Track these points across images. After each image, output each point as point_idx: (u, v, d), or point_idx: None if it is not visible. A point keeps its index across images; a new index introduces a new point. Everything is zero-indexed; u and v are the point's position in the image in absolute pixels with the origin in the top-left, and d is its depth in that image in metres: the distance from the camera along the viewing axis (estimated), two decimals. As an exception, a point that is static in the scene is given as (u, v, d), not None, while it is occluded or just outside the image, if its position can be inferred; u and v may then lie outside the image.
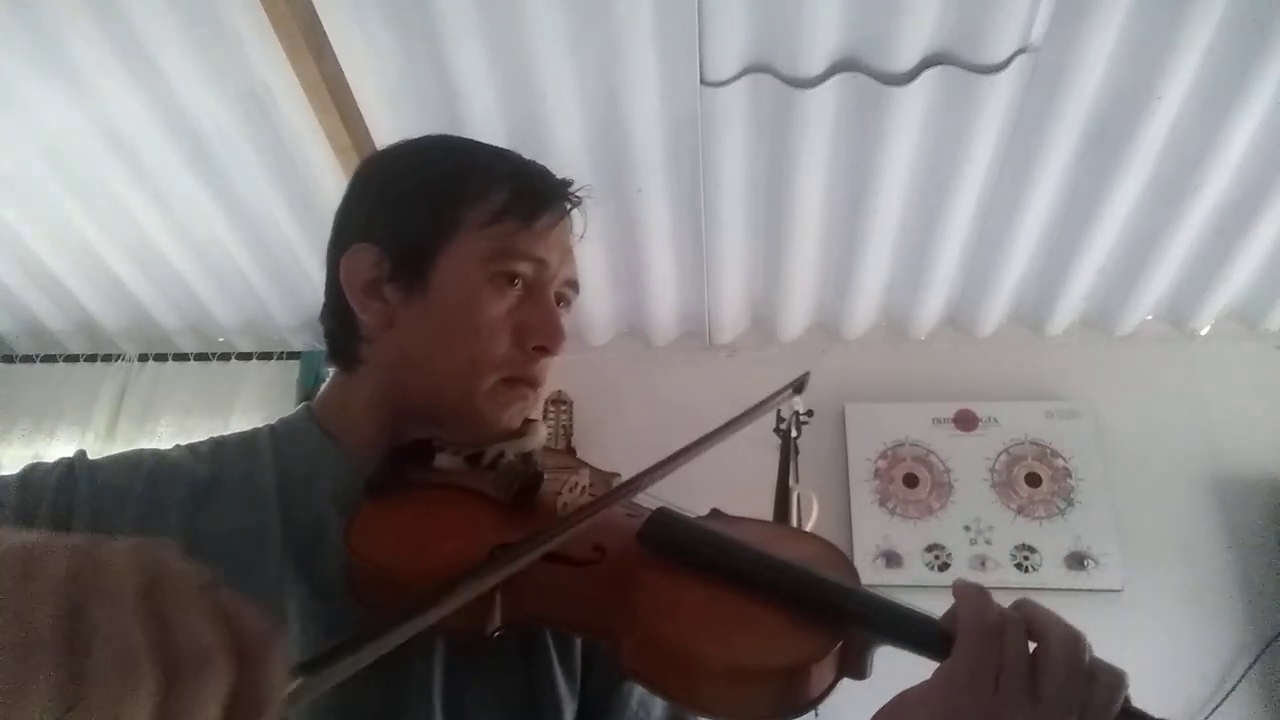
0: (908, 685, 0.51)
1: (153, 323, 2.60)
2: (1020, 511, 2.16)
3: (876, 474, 2.25)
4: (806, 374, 0.67)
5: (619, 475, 0.70)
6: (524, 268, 0.63)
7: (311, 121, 1.76)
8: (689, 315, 2.42)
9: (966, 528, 2.16)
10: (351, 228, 0.67)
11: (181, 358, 2.64)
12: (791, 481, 2.02)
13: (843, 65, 1.60)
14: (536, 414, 0.69)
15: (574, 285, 0.69)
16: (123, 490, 0.59)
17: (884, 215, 1.95)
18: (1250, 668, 1.96)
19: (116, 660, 0.27)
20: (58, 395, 2.61)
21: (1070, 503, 2.15)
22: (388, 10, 1.58)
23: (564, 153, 1.81)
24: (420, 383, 0.63)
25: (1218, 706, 1.93)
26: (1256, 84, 1.57)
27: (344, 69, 1.69)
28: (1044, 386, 2.30)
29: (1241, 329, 2.27)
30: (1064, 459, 2.19)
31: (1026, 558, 2.10)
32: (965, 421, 2.27)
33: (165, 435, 2.52)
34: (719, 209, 1.98)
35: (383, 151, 0.72)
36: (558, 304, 0.67)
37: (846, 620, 0.52)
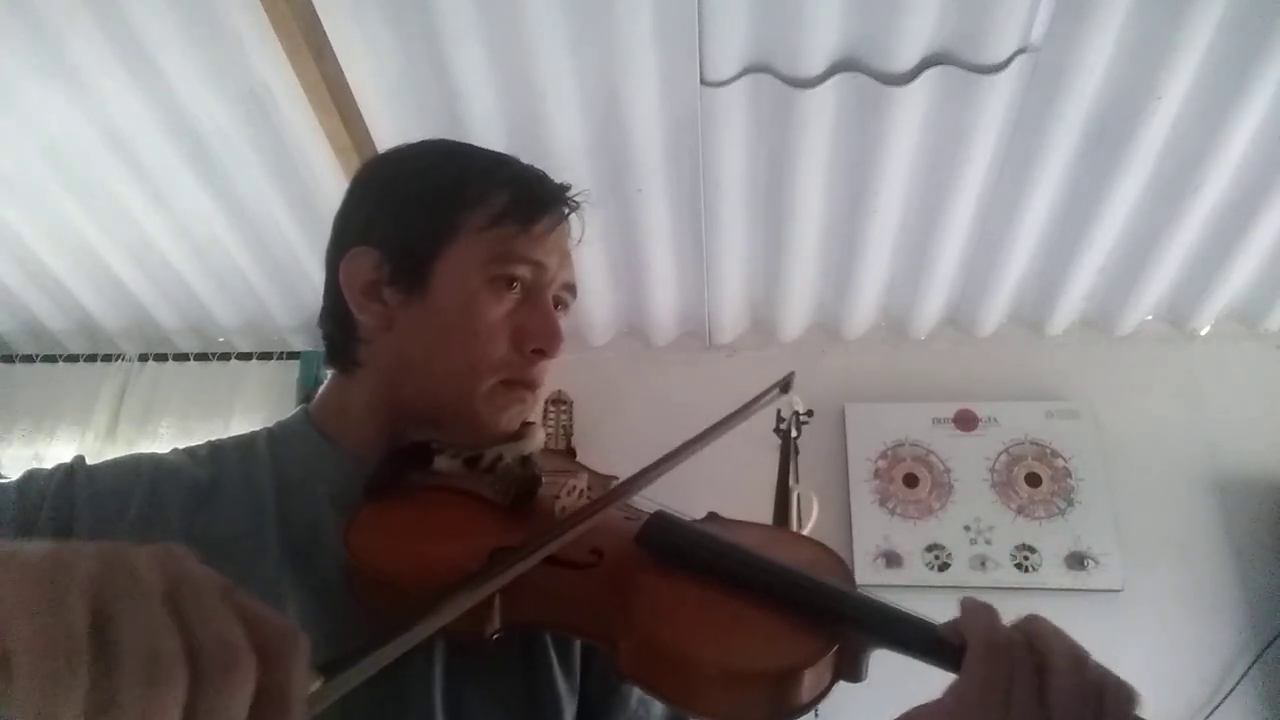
0: (904, 689, 0.51)
1: (153, 323, 2.60)
2: (1020, 511, 2.16)
3: (876, 474, 2.25)
4: (792, 373, 0.67)
5: (617, 478, 0.70)
6: (522, 271, 0.64)
7: (311, 121, 1.76)
8: (689, 315, 2.42)
9: (966, 528, 2.16)
10: (351, 231, 0.67)
11: (181, 358, 2.64)
12: (791, 481, 2.02)
13: (843, 65, 1.60)
14: (535, 416, 0.69)
15: (572, 289, 0.69)
16: (123, 495, 0.59)
17: (884, 215, 1.95)
18: (1250, 668, 1.96)
19: (146, 661, 0.27)
20: (58, 395, 2.61)
21: (1070, 503, 2.15)
22: (388, 10, 1.58)
23: (564, 153, 1.81)
24: (418, 385, 0.64)
25: (1218, 706, 1.93)
26: (1256, 84, 1.57)
27: (344, 69, 1.69)
28: (1044, 386, 2.30)
29: (1241, 329, 2.27)
30: (1064, 459, 2.19)
31: (1026, 558, 2.10)
32: (965, 421, 2.27)
33: (165, 435, 2.52)
34: (719, 209, 1.98)
35: (382, 155, 0.72)
36: (556, 307, 0.67)
37: (842, 623, 0.52)
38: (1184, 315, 2.24)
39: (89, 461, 0.62)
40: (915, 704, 0.52)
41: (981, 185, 1.86)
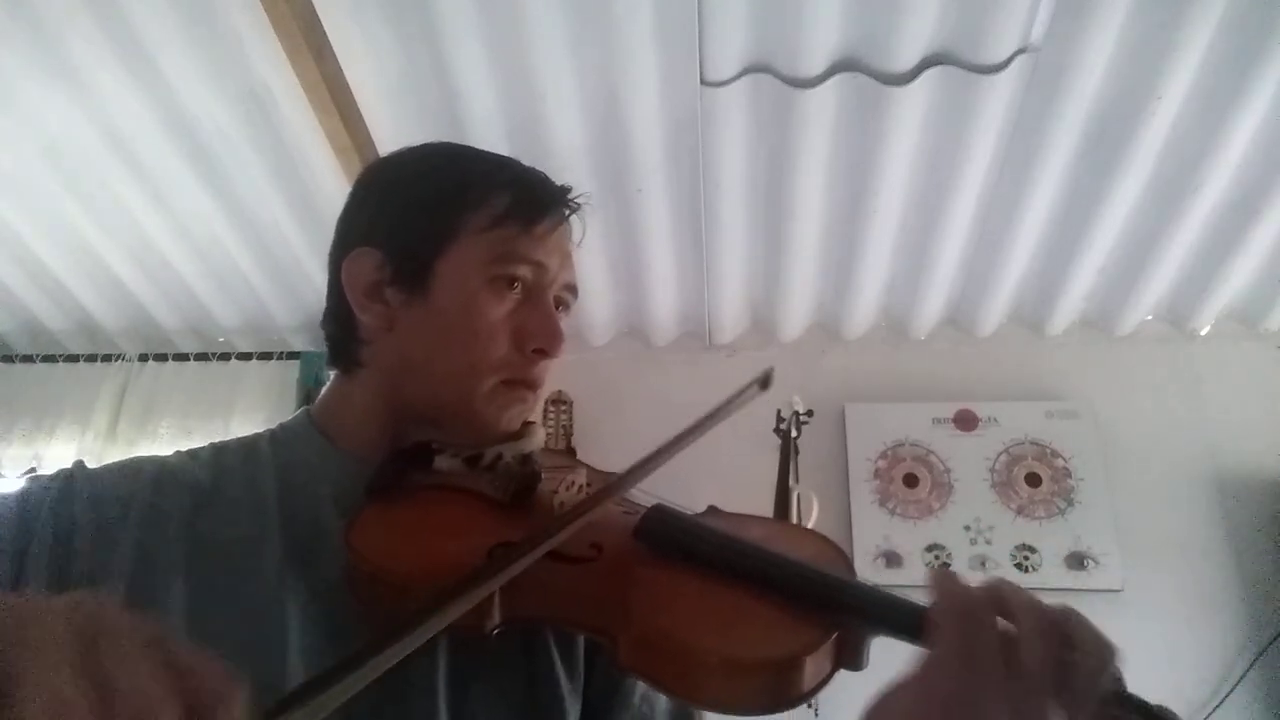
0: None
1: (153, 323, 2.60)
2: (1020, 511, 2.16)
3: (876, 474, 2.25)
4: (771, 369, 0.67)
5: (615, 475, 0.70)
6: (523, 271, 0.64)
7: (311, 121, 1.76)
8: (689, 315, 2.42)
9: (966, 528, 2.16)
10: (354, 232, 0.67)
11: (181, 358, 2.64)
12: (791, 481, 2.02)
13: (843, 65, 1.60)
14: (535, 416, 0.70)
15: (573, 290, 0.70)
16: (124, 499, 0.59)
17: (884, 215, 1.95)
18: (1250, 668, 1.96)
19: None
20: (58, 395, 2.61)
21: (1070, 503, 2.15)
22: (388, 10, 1.58)
23: (564, 153, 1.81)
24: (420, 385, 0.64)
25: (1218, 706, 1.93)
26: (1256, 84, 1.57)
27: (344, 69, 1.69)
28: (1044, 386, 2.30)
29: (1241, 329, 2.27)
30: (1064, 459, 2.19)
31: (1026, 558, 2.10)
32: (965, 421, 2.27)
33: (165, 435, 2.52)
34: (719, 209, 1.98)
35: (385, 158, 0.73)
36: (557, 308, 0.67)
37: (842, 612, 0.52)
38: (1184, 315, 2.24)
39: (90, 463, 0.62)
40: None
41: (981, 185, 1.86)
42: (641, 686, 0.66)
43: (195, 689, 0.29)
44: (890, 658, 0.52)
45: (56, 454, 2.54)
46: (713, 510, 0.67)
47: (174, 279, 2.39)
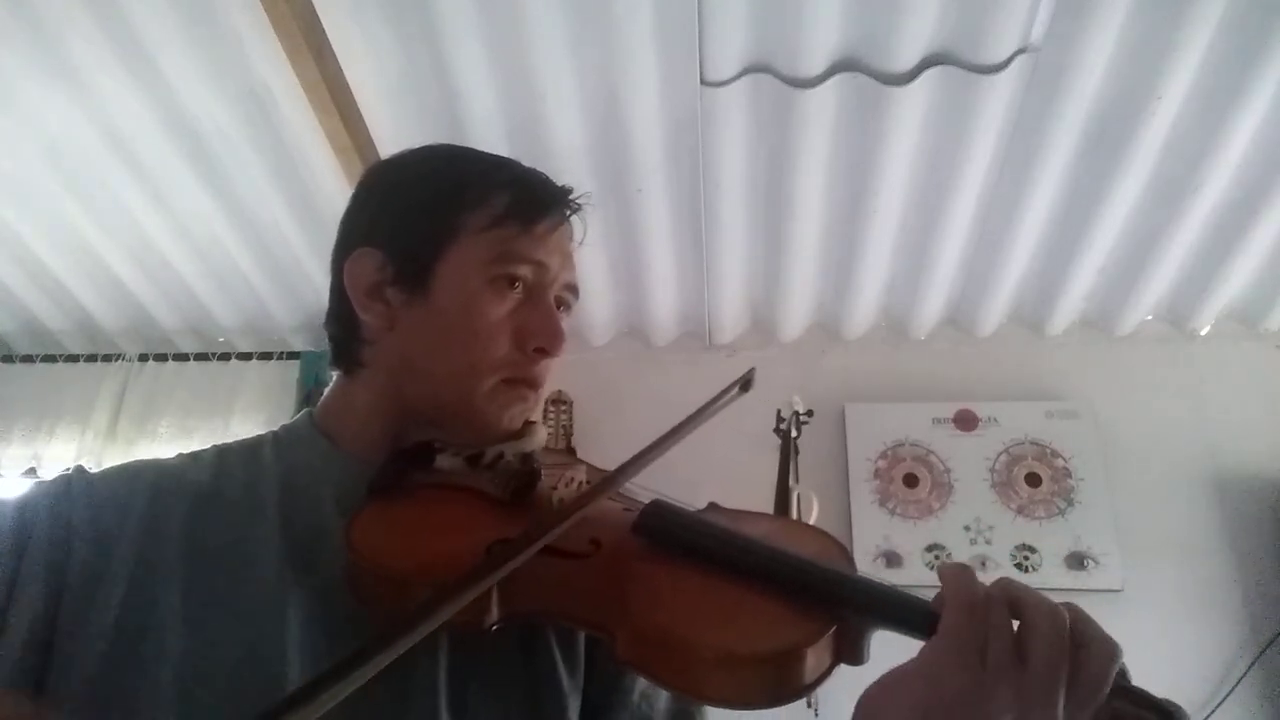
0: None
1: (153, 323, 2.60)
2: (1020, 511, 2.16)
3: (876, 474, 2.25)
4: (752, 370, 0.67)
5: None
6: (524, 271, 0.64)
7: (311, 121, 1.76)
8: (689, 315, 2.42)
9: (966, 528, 2.16)
10: (355, 233, 0.68)
11: (181, 358, 2.63)
12: (791, 481, 2.02)
13: (843, 65, 1.60)
14: (536, 415, 0.70)
15: (574, 289, 0.70)
16: (123, 503, 0.59)
17: (884, 215, 1.95)
18: (1250, 668, 1.96)
19: None
20: (58, 395, 2.61)
21: (1070, 503, 2.15)
22: (388, 10, 1.58)
23: (564, 153, 1.81)
24: (421, 384, 0.64)
25: (1218, 706, 1.93)
26: (1256, 84, 1.57)
27: (344, 69, 1.69)
28: (1044, 386, 2.30)
29: (1241, 329, 2.27)
30: (1064, 459, 2.19)
31: (1026, 558, 2.10)
32: (965, 421, 2.27)
33: (165, 435, 2.51)
34: (719, 209, 1.98)
35: (386, 160, 0.73)
36: (558, 308, 0.68)
37: (841, 605, 0.52)
38: (1184, 315, 2.24)
39: (91, 465, 0.63)
40: None
41: (981, 185, 1.86)
42: (642, 683, 0.66)
43: None
44: (891, 652, 0.52)
45: (56, 454, 2.54)
46: (713, 506, 0.67)
47: (174, 279, 2.39)
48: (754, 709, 0.49)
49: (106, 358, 2.65)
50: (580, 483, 0.66)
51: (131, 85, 1.76)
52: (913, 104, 1.65)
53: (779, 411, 2.14)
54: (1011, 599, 0.47)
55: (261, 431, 0.70)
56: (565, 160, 1.81)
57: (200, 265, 2.32)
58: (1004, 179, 1.85)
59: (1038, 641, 0.45)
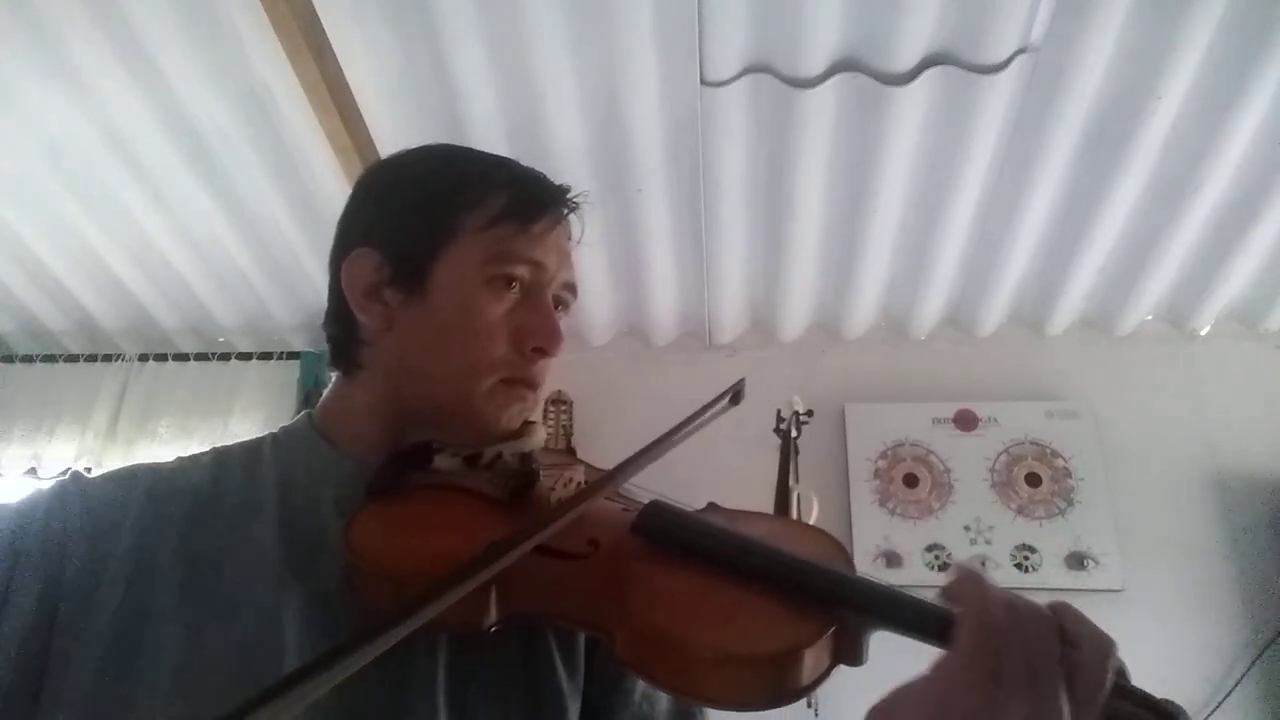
0: (907, 672, 0.51)
1: (153, 323, 2.60)
2: (1020, 511, 2.16)
3: (876, 474, 2.25)
4: (742, 380, 0.66)
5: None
6: (521, 271, 0.64)
7: (311, 121, 1.76)
8: (689, 315, 2.42)
9: (966, 528, 2.16)
10: (353, 234, 0.68)
11: (181, 358, 2.63)
12: (791, 481, 2.02)
13: (843, 65, 1.60)
14: (536, 415, 0.70)
15: (572, 289, 0.70)
16: (119, 509, 0.59)
17: (884, 215, 1.95)
18: (1250, 668, 1.96)
19: None
20: (58, 395, 2.61)
21: (1070, 503, 2.15)
22: (388, 10, 1.58)
23: (564, 153, 1.81)
24: (420, 385, 0.64)
25: (1218, 706, 1.93)
26: (1256, 84, 1.57)
27: (344, 69, 1.69)
28: (1044, 386, 2.30)
29: (1241, 329, 2.27)
30: (1064, 459, 2.19)
31: (1026, 558, 2.10)
32: (965, 421, 2.27)
33: (165, 435, 2.51)
34: (719, 209, 1.98)
35: (384, 160, 0.73)
36: (556, 307, 0.67)
37: (840, 606, 0.52)
38: (1184, 315, 2.24)
39: (91, 465, 0.63)
40: None
41: (981, 185, 1.86)
42: (642, 685, 0.66)
43: None
44: (890, 653, 0.52)
45: (56, 454, 2.54)
46: (712, 506, 0.67)
47: (174, 279, 2.39)
48: (753, 710, 0.49)
49: (106, 358, 2.65)
50: (579, 483, 0.66)
51: (131, 85, 1.76)
52: (913, 104, 1.65)
53: (779, 411, 2.14)
54: (1029, 618, 0.46)
55: (261, 432, 0.70)
56: (565, 160, 1.81)
57: (200, 265, 2.32)
58: (1004, 179, 1.85)
59: (1087, 671, 0.45)
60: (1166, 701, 0.46)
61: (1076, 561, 2.07)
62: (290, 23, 1.53)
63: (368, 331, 0.65)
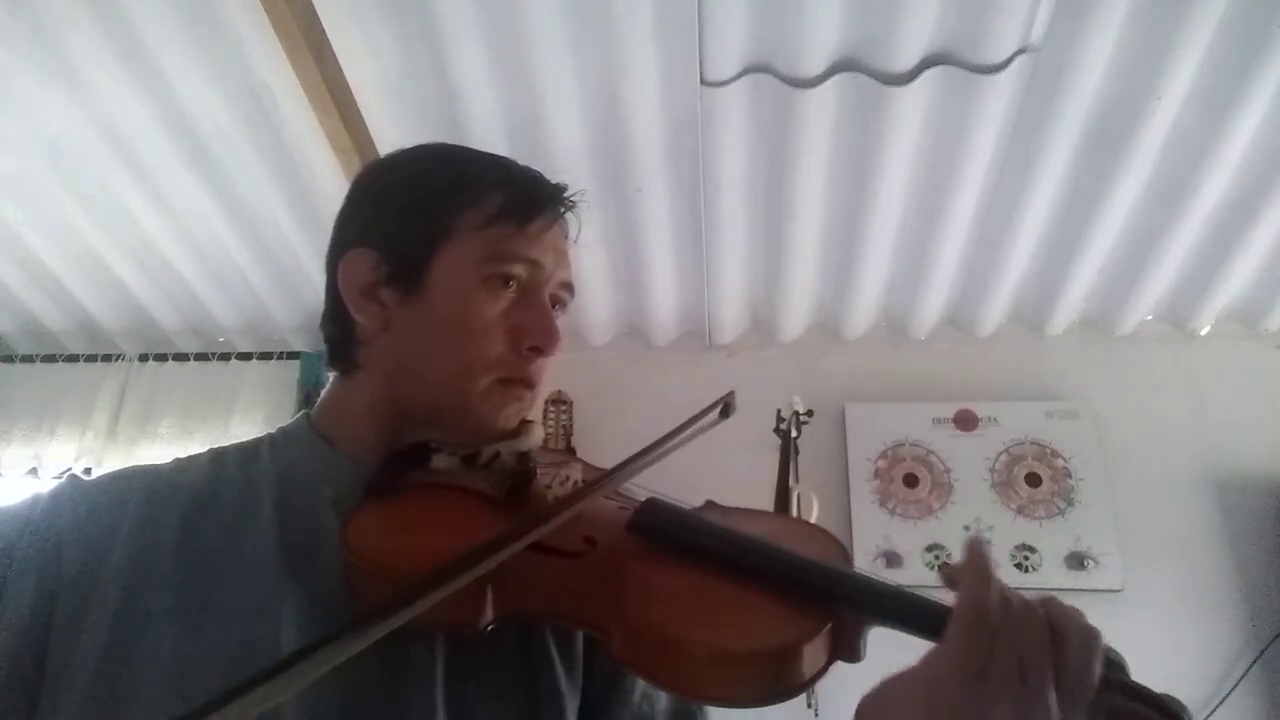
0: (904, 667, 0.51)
1: (153, 323, 2.60)
2: (1020, 511, 2.16)
3: (876, 474, 2.25)
4: (731, 393, 0.66)
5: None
6: (518, 270, 0.64)
7: (311, 121, 1.76)
8: (689, 315, 2.42)
9: (966, 528, 2.16)
10: (350, 234, 0.68)
11: (181, 358, 2.63)
12: (791, 481, 2.02)
13: (843, 65, 1.60)
14: (535, 416, 0.70)
15: (569, 288, 0.70)
16: (115, 512, 0.60)
17: (884, 215, 1.95)
18: (1250, 668, 1.96)
19: None
20: (58, 395, 2.61)
21: (1070, 503, 2.15)
22: (388, 10, 1.58)
23: (564, 153, 1.81)
24: (417, 385, 0.64)
25: (1218, 706, 1.93)
26: (1256, 84, 1.57)
27: (344, 69, 1.69)
28: (1044, 386, 2.30)
29: (1241, 329, 2.27)
30: (1064, 459, 2.19)
31: (1026, 558, 2.10)
32: (965, 421, 2.27)
33: (165, 435, 2.51)
34: (719, 209, 1.98)
35: (380, 160, 0.73)
36: (553, 306, 0.68)
37: (836, 602, 0.52)
38: (1184, 315, 2.24)
39: (91, 465, 0.63)
40: None
41: (981, 185, 1.86)
42: (641, 684, 0.66)
43: None
44: (889, 650, 0.52)
45: (57, 454, 2.54)
46: (710, 504, 0.67)
47: (174, 279, 2.39)
48: (751, 706, 0.49)
49: (106, 358, 2.65)
50: (575, 481, 0.66)
51: (131, 85, 1.76)
52: (913, 104, 1.65)
53: (779, 411, 2.14)
54: (1024, 617, 0.46)
55: (262, 432, 0.70)
56: (565, 160, 1.81)
57: (200, 265, 2.32)
58: (1004, 179, 1.85)
59: (1075, 668, 0.44)
60: (1167, 697, 0.46)
61: (1076, 561, 2.07)
62: (290, 23, 1.53)
63: (365, 331, 0.65)
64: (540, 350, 0.64)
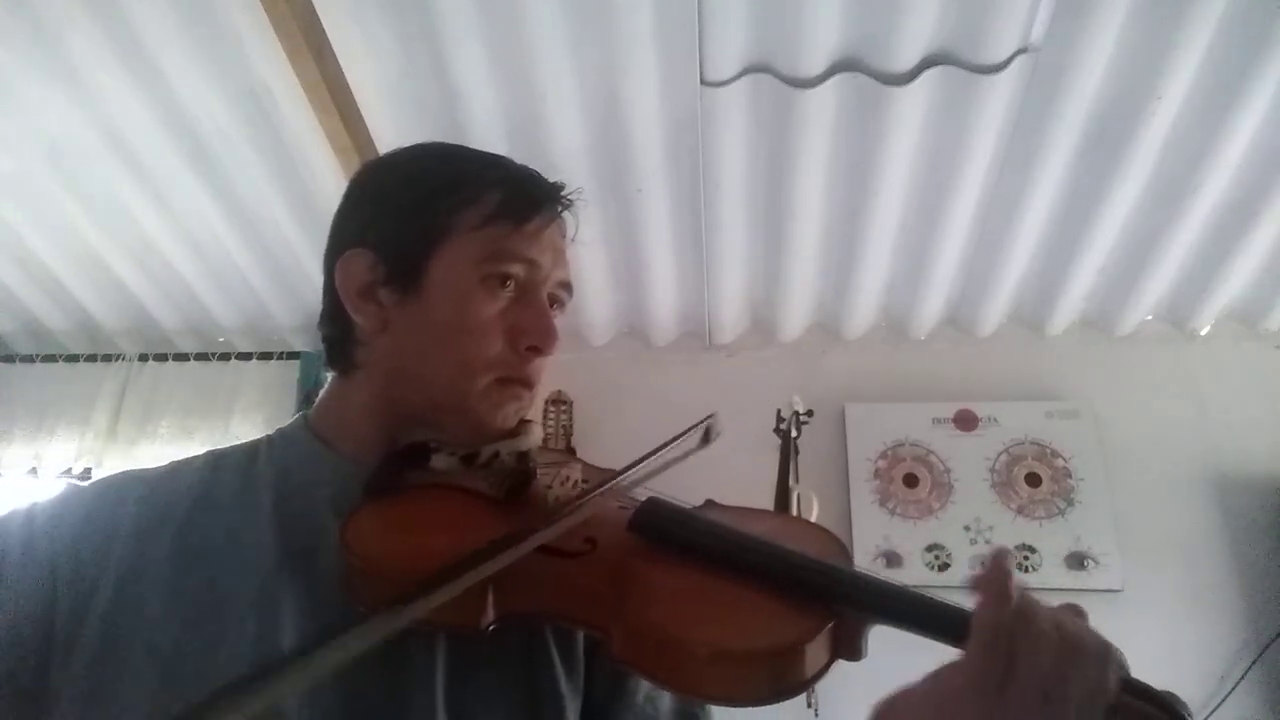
0: (905, 666, 0.51)
1: (153, 323, 2.60)
2: (1020, 511, 2.16)
3: (876, 474, 2.25)
4: (712, 416, 0.65)
5: (611, 470, 0.70)
6: (516, 269, 0.64)
7: (311, 121, 1.76)
8: (689, 315, 2.42)
9: (966, 528, 2.16)
10: (347, 233, 0.67)
11: (181, 358, 2.63)
12: (791, 481, 2.02)
13: (843, 65, 1.60)
14: (535, 416, 0.70)
15: (567, 287, 0.69)
16: (113, 518, 0.60)
17: (884, 215, 1.95)
18: (1250, 668, 1.96)
19: None
20: (58, 395, 2.61)
21: (1070, 503, 2.15)
22: (388, 10, 1.58)
23: (564, 153, 1.81)
24: (415, 385, 0.64)
25: (1218, 706, 1.93)
26: (1256, 84, 1.57)
27: (344, 69, 1.69)
28: (1044, 386, 2.30)
29: (1241, 329, 2.27)
30: (1064, 459, 2.19)
31: (1026, 558, 2.10)
32: (965, 421, 2.27)
33: (165, 435, 2.51)
34: (719, 209, 1.98)
35: (378, 159, 0.73)
36: (551, 306, 0.67)
37: (837, 600, 0.52)
38: (1184, 315, 2.24)
39: (91, 464, 0.63)
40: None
41: (981, 185, 1.86)
42: (645, 685, 0.66)
43: None
44: (890, 648, 0.52)
45: (57, 454, 2.54)
46: (710, 503, 0.67)
47: (174, 279, 2.39)
48: (752, 705, 0.49)
49: (106, 358, 2.65)
50: (575, 481, 0.66)
51: (131, 85, 1.76)
52: (913, 104, 1.65)
53: (779, 411, 2.14)
54: (1040, 635, 0.45)
55: (261, 433, 0.70)
56: (565, 160, 1.81)
57: (200, 265, 2.32)
58: (1004, 179, 1.85)
59: (1072, 681, 0.45)
60: (1167, 693, 0.46)
61: (1076, 561, 2.07)
62: (290, 23, 1.53)
63: (363, 331, 0.65)
64: (539, 350, 0.64)
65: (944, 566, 2.12)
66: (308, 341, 2.58)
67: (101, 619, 0.54)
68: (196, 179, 1.99)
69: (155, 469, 0.66)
